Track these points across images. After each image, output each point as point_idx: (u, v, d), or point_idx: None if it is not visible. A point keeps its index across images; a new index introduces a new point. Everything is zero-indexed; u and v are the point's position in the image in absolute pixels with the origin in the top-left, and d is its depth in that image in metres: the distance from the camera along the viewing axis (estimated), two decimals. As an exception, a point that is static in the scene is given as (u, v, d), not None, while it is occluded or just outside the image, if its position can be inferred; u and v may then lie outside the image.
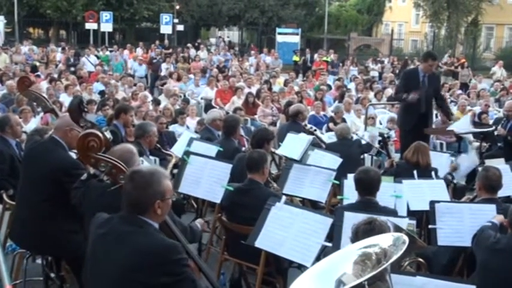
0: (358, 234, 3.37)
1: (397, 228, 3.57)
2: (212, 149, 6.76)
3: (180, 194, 6.28)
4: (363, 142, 8.55)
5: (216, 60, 24.50)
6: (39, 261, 5.10)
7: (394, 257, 2.34)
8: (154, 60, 22.03)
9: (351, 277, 2.35)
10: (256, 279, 4.86)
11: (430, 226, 4.93)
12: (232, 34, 49.79)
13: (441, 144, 10.92)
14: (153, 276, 2.98)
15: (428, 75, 8.73)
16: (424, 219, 5.69)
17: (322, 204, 6.70)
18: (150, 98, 13.63)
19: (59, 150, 4.78)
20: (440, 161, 7.20)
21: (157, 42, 29.22)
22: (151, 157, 7.06)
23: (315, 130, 8.75)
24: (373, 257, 2.42)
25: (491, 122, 11.21)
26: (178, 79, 17.69)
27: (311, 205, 6.80)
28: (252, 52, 28.91)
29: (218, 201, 5.61)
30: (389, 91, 16.52)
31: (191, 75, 18.58)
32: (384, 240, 2.48)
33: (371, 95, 15.61)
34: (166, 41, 29.94)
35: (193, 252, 3.74)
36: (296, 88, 16.37)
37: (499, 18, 37.24)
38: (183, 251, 3.18)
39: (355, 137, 8.65)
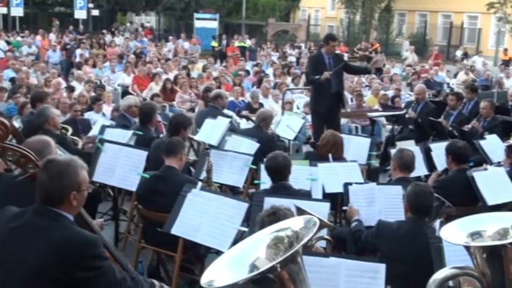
0: (264, 226, 3.39)
1: (299, 210, 3.62)
2: (127, 135, 6.63)
3: (95, 183, 6.15)
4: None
5: (133, 46, 24.05)
6: None
7: (306, 239, 2.37)
8: (68, 46, 21.35)
9: (264, 261, 2.36)
10: (174, 266, 4.84)
11: (343, 207, 5.06)
12: (150, 19, 48.94)
13: (356, 127, 11.21)
14: (72, 271, 2.87)
15: (332, 56, 9.03)
16: (339, 201, 5.82)
17: (242, 189, 6.74)
18: (64, 84, 13.22)
19: None
20: (358, 145, 7.34)
21: (71, 27, 28.30)
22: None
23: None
24: (286, 240, 2.45)
25: (403, 105, 11.58)
26: (94, 65, 17.27)
27: (230, 190, 6.83)
28: (170, 38, 28.55)
29: (134, 189, 5.53)
30: (307, 76, 16.78)
31: (107, 62, 18.17)
32: (295, 223, 2.51)
33: (288, 80, 15.80)
34: (81, 27, 29.06)
35: (109, 242, 3.66)
36: (215, 74, 16.34)
37: (411, 5, 38.42)
38: (101, 244, 3.09)
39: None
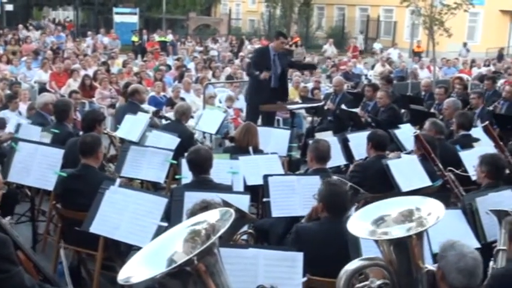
0: None
1: (226, 204, 3.66)
2: (44, 133, 6.47)
3: (12, 184, 5.97)
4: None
5: (50, 42, 23.35)
6: None
7: (222, 231, 2.41)
8: (-20, 43, 20.53)
9: (182, 255, 2.38)
10: (95, 265, 4.77)
11: (264, 199, 5.12)
12: (68, 14, 47.60)
13: (278, 120, 11.34)
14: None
15: (278, 54, 9.10)
16: (261, 193, 5.89)
17: (164, 185, 6.70)
18: (-25, 83, 12.67)
19: None
20: (279, 137, 7.42)
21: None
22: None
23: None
24: (203, 233, 2.48)
25: (322, 97, 11.82)
26: (8, 62, 16.66)
27: (152, 187, 6.78)
28: (89, 33, 27.88)
29: (51, 188, 5.40)
30: (228, 70, 16.86)
31: (23, 58, 17.57)
32: (211, 216, 2.54)
33: (210, 74, 15.81)
34: (-6, 22, 27.98)
35: (24, 245, 3.57)
36: (135, 69, 16.12)
37: (329, -1, 39.27)
38: (10, 246, 3.01)
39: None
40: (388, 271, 2.88)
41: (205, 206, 3.47)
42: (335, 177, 4.64)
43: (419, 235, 2.83)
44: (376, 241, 2.89)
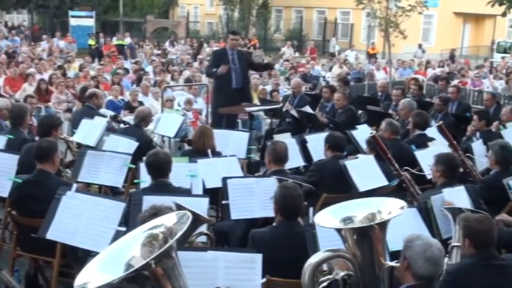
0: None
1: (179, 207, 3.65)
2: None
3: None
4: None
5: (4, 46, 22.88)
6: None
7: (179, 234, 2.41)
8: None
9: (139, 259, 2.37)
10: (53, 272, 4.70)
11: (223, 202, 5.13)
12: (23, 17, 46.68)
13: (237, 122, 11.35)
14: None
15: (237, 52, 9.15)
16: (220, 195, 5.89)
17: (122, 189, 6.64)
18: None
19: None
20: (237, 139, 7.41)
21: None
22: None
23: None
24: (160, 237, 2.47)
25: (281, 99, 11.89)
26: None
27: (110, 191, 6.71)
28: (44, 36, 27.40)
29: (6, 195, 5.29)
30: (187, 73, 16.79)
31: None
32: (168, 220, 2.54)
33: (168, 77, 15.72)
34: None
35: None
36: (92, 73, 15.92)
37: (287, 1, 39.45)
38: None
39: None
40: (352, 263, 2.92)
41: (154, 213, 3.42)
42: (290, 181, 4.68)
43: (382, 226, 2.90)
44: (341, 234, 2.94)
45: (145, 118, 7.78)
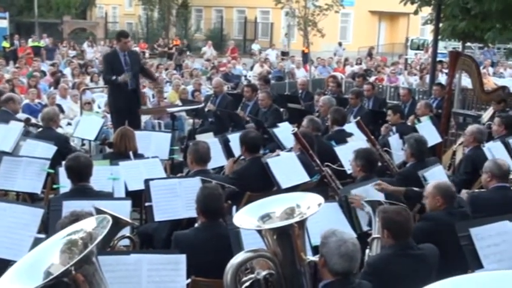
0: None
1: (99, 211, 3.60)
2: None
3: None
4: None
5: None
6: None
7: (99, 238, 2.37)
8: None
9: (58, 266, 2.33)
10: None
11: (146, 204, 5.08)
12: None
13: (159, 124, 11.25)
14: None
15: (128, 53, 9.04)
16: (143, 197, 5.82)
17: (42, 195, 6.44)
18: None
19: None
20: (159, 140, 7.32)
21: None
22: None
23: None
24: (79, 242, 2.43)
25: (203, 99, 11.87)
26: None
27: (30, 198, 6.49)
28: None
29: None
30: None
31: None
32: (88, 224, 2.50)
33: (87, 79, 15.38)
34: None
35: None
36: (7, 76, 15.34)
37: (207, 1, 39.41)
38: None
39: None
40: (273, 262, 2.96)
41: (74, 219, 3.33)
42: (213, 182, 4.69)
43: (301, 224, 2.96)
44: (261, 234, 2.97)
45: (53, 118, 7.60)
